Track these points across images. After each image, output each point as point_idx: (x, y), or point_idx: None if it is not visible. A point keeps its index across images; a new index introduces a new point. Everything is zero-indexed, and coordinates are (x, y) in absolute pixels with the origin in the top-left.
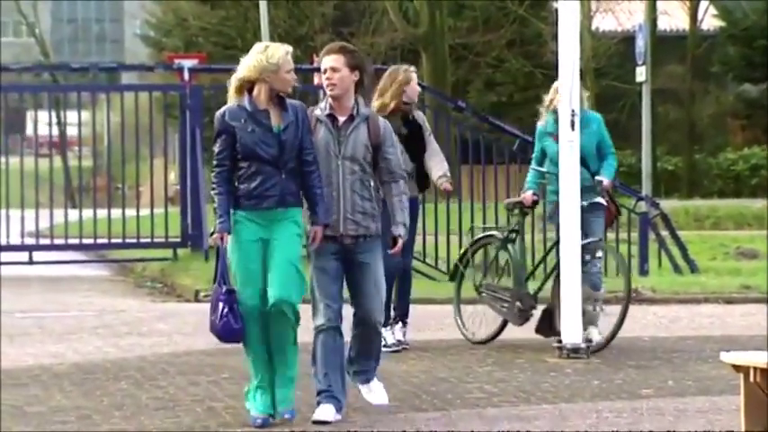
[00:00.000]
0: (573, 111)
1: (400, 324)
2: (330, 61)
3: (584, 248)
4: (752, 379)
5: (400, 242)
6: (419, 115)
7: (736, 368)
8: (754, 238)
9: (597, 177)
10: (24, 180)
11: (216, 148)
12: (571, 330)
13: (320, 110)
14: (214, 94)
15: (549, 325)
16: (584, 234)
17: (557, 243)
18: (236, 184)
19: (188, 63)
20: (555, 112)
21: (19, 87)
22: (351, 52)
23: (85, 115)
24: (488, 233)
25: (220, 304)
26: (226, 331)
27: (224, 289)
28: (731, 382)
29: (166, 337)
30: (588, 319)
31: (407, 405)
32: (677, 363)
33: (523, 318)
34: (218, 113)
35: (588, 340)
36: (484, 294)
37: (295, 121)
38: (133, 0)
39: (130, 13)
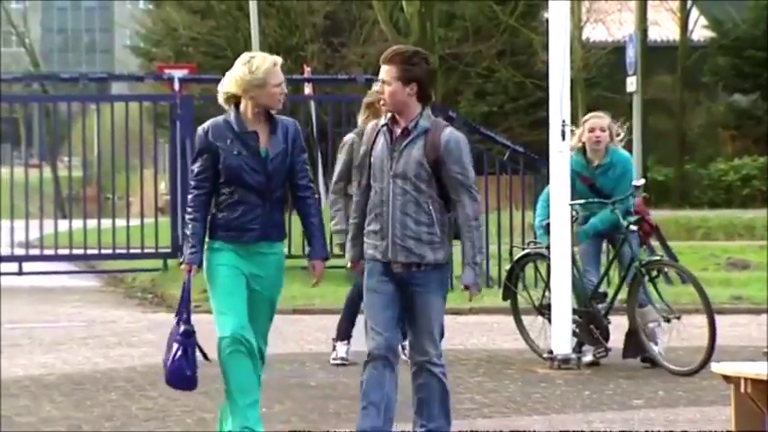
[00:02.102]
0: (564, 121)
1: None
2: (382, 73)
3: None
4: (742, 390)
5: (471, 291)
6: None
7: (727, 379)
8: (744, 249)
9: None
10: (14, 190)
11: (195, 168)
12: (561, 341)
13: (384, 118)
14: (204, 104)
15: (636, 346)
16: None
17: (612, 261)
18: (215, 211)
19: (178, 73)
20: (579, 150)
21: (9, 98)
22: (405, 63)
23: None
24: (535, 250)
25: (174, 345)
26: (175, 377)
27: (181, 329)
28: (722, 392)
29: (156, 347)
30: (647, 336)
31: (398, 416)
32: (668, 373)
33: (599, 345)
34: (200, 130)
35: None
36: (548, 315)
37: (285, 145)
38: (123, 9)
39: (120, 23)
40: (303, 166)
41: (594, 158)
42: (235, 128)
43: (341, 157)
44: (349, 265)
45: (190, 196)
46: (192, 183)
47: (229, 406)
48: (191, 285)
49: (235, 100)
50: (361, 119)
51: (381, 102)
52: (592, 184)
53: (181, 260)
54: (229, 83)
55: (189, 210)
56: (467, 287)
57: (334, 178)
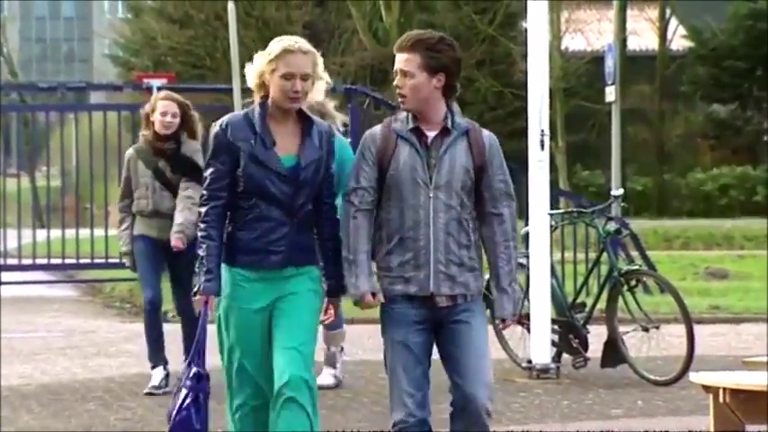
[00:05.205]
0: (542, 131)
1: None
2: (400, 62)
3: None
4: (721, 399)
5: (508, 323)
6: (189, 147)
7: (706, 388)
8: (723, 258)
9: None
10: None
11: (208, 175)
12: (540, 350)
13: (400, 122)
14: None
15: (615, 355)
16: None
17: (591, 270)
18: (230, 229)
19: (157, 82)
20: None
21: None
22: (430, 49)
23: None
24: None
25: (183, 391)
26: (181, 429)
27: (192, 372)
28: (701, 402)
29: (135, 357)
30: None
31: (377, 426)
32: (647, 383)
33: (579, 356)
34: (216, 126)
35: None
36: (527, 325)
37: (321, 153)
38: (102, 18)
39: (99, 32)
40: (331, 181)
41: None
42: (258, 127)
43: (125, 173)
44: (368, 299)
45: (203, 209)
46: (205, 193)
47: None
48: (207, 320)
49: (263, 91)
50: (142, 132)
51: (399, 98)
52: None
53: (195, 289)
54: (252, 69)
55: (202, 226)
56: (503, 320)
57: (120, 196)
